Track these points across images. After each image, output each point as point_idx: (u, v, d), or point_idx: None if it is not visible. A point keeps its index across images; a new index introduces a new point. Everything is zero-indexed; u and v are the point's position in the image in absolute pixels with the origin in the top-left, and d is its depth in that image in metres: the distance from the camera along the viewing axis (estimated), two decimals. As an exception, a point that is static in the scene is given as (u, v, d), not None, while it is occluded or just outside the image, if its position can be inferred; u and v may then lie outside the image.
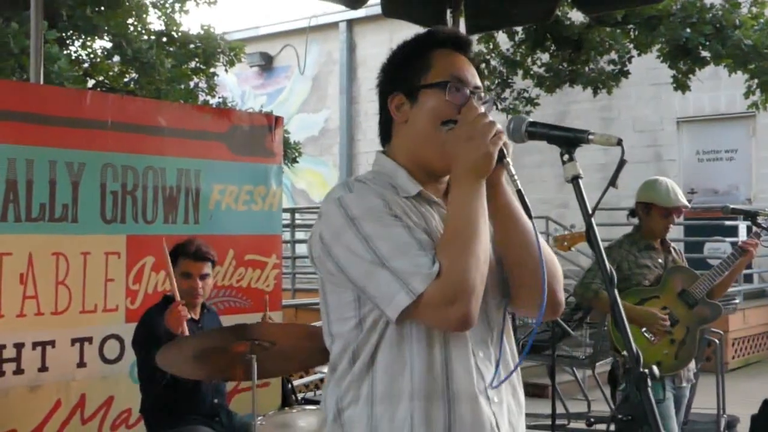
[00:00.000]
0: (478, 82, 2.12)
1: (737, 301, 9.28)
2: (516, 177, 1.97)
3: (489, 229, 2.01)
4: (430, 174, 2.10)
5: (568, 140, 1.89)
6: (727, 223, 12.00)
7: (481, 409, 1.99)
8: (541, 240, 2.01)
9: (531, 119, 1.98)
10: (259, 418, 4.10)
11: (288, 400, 5.47)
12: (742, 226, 12.22)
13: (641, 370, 1.76)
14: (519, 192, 1.97)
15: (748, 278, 13.10)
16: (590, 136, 1.87)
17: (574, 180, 1.87)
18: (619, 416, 1.83)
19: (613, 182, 1.90)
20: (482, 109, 2.03)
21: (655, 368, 1.76)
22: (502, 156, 1.96)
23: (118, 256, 5.14)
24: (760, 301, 12.81)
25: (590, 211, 1.85)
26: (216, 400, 4.58)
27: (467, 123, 1.97)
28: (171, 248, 4.61)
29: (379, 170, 2.14)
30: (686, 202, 5.06)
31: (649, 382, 1.75)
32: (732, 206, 5.58)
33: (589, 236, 1.87)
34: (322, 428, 2.08)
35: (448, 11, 6.79)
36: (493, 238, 2.08)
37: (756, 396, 7.15)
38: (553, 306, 2.08)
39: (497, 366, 2.06)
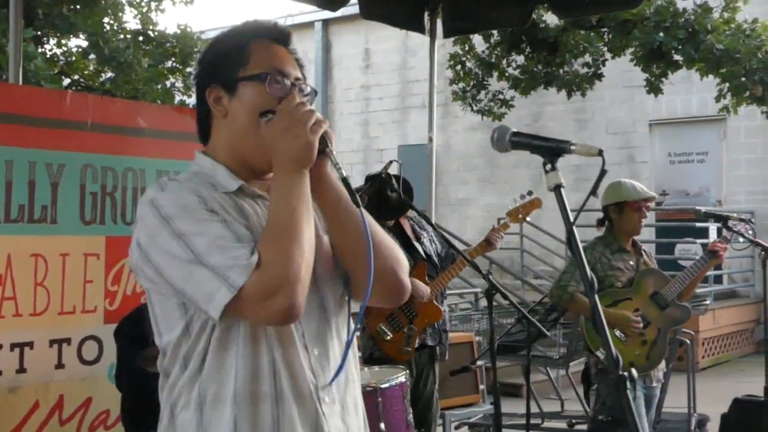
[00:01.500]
0: (299, 74, 2.07)
1: (708, 302, 9.41)
2: (340, 165, 1.93)
3: (316, 219, 1.97)
4: (250, 170, 2.03)
5: (550, 150, 1.93)
6: (698, 224, 12.13)
7: (310, 408, 1.95)
8: (373, 225, 1.98)
9: (515, 129, 2.02)
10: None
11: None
12: (713, 227, 12.36)
13: (620, 372, 1.81)
14: (344, 180, 1.94)
15: (718, 279, 13.28)
16: (572, 147, 1.91)
17: (557, 189, 1.91)
18: (599, 417, 1.88)
19: (594, 191, 1.95)
20: (299, 98, 1.96)
21: (634, 371, 1.82)
22: (324, 145, 1.92)
23: (97, 257, 5.13)
24: (730, 301, 12.99)
25: (572, 220, 1.90)
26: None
27: (285, 113, 1.90)
28: None
29: (197, 170, 2.06)
30: (653, 194, 5.22)
31: (628, 385, 1.81)
32: (705, 209, 5.68)
33: (571, 243, 1.92)
34: None
35: (426, 14, 6.85)
36: (327, 228, 2.04)
37: (726, 395, 7.26)
38: (397, 290, 2.06)
39: (342, 364, 2.00)
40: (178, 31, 9.93)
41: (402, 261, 2.08)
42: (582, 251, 1.91)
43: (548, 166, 1.93)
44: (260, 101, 1.99)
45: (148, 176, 5.34)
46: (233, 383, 1.90)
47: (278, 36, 2.10)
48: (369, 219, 1.96)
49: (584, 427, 6.86)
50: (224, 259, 1.81)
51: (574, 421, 6.40)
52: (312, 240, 1.89)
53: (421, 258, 5.31)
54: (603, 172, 1.90)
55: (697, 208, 5.68)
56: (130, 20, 9.79)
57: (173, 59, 9.89)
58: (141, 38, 9.77)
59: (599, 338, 4.98)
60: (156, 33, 9.83)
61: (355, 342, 2.10)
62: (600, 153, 1.88)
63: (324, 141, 1.93)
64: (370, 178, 5.19)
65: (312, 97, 2.06)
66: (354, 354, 2.13)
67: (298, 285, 1.82)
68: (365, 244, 1.90)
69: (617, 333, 5.01)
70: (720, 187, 14.10)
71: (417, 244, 5.38)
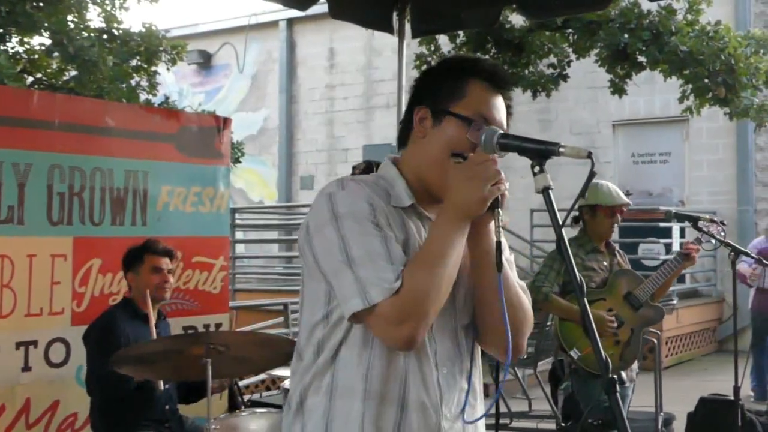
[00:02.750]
0: (504, 125, 2.14)
1: (674, 301, 9.49)
2: (500, 229, 2.01)
3: (462, 265, 2.04)
4: (428, 192, 2.13)
5: (539, 152, 1.93)
6: (662, 224, 12.25)
7: (431, 421, 2.04)
8: (515, 287, 2.11)
9: (502, 131, 2.01)
10: (211, 421, 4.11)
11: (234, 402, 5.46)
12: (676, 228, 12.50)
13: (610, 375, 1.81)
14: (498, 243, 2.01)
15: (681, 278, 13.38)
16: (561, 149, 1.91)
17: (545, 191, 1.91)
18: (590, 421, 1.88)
19: (583, 193, 1.95)
20: (496, 156, 2.03)
21: (623, 374, 1.82)
22: (495, 204, 2.00)
23: (64, 258, 5.08)
24: (693, 300, 13.12)
25: (561, 223, 1.89)
26: (167, 406, 4.56)
27: (475, 163, 1.98)
28: (134, 249, 4.65)
29: (382, 175, 2.18)
30: (628, 200, 5.25)
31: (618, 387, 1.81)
32: (675, 210, 5.73)
33: (560, 246, 1.92)
34: (274, 428, 2.14)
35: (394, 14, 6.84)
36: (469, 273, 2.12)
37: (689, 393, 7.34)
38: (515, 354, 2.13)
39: (465, 402, 2.13)
40: (143, 30, 9.84)
41: (527, 325, 2.18)
42: (570, 253, 1.90)
43: (536, 168, 1.93)
44: (457, 141, 2.07)
45: (116, 176, 5.30)
46: (365, 380, 2.02)
47: (498, 82, 2.16)
48: (513, 284, 2.11)
49: (552, 426, 6.90)
50: (371, 275, 1.93)
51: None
52: (450, 284, 2.00)
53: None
54: (592, 174, 1.91)
55: (668, 209, 5.74)
56: (95, 18, 9.72)
57: (138, 58, 9.79)
58: (105, 36, 9.65)
59: (574, 338, 5.04)
60: (121, 31, 9.72)
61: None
62: (589, 155, 1.89)
63: (497, 200, 2.00)
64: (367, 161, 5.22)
65: (504, 154, 2.09)
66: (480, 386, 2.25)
67: (424, 322, 1.95)
68: (497, 306, 2.01)
69: (591, 333, 5.02)
70: (682, 188, 14.24)
71: None
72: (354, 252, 1.96)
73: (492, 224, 2.05)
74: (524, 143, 1.97)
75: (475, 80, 2.12)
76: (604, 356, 1.83)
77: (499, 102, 2.14)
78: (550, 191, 1.91)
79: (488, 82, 2.13)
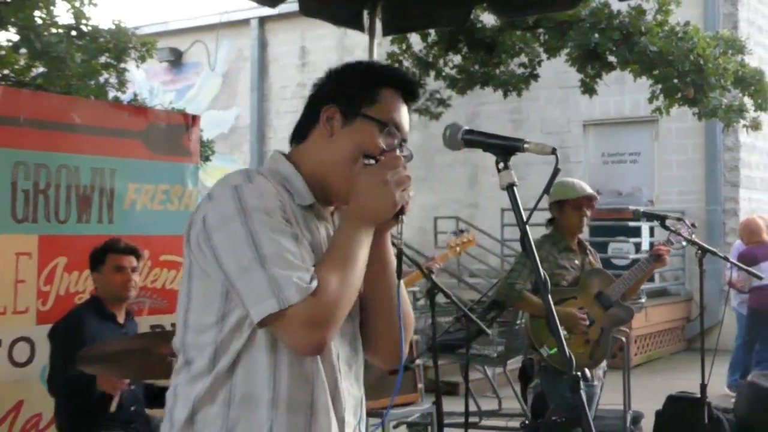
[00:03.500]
0: (407, 135, 2.13)
1: (643, 300, 9.55)
2: (401, 238, 2.02)
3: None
4: (325, 194, 2.09)
5: (503, 149, 1.93)
6: (631, 224, 12.32)
7: (337, 426, 2.02)
8: (404, 297, 2.09)
9: (467, 127, 2.00)
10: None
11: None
12: (645, 227, 12.57)
13: (574, 373, 1.81)
14: (399, 252, 2.04)
15: (650, 278, 13.41)
16: (525, 145, 1.90)
17: (509, 188, 1.91)
18: (554, 418, 1.88)
19: (547, 190, 1.95)
20: (403, 161, 2.03)
21: (588, 371, 1.82)
22: (400, 212, 1.99)
23: (29, 256, 5.02)
24: (661, 299, 13.20)
25: (525, 219, 1.89)
26: (134, 407, 4.52)
27: (387, 167, 1.97)
28: (97, 248, 4.60)
29: (275, 169, 2.09)
30: (592, 191, 5.26)
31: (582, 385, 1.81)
32: (642, 209, 5.76)
33: (524, 243, 1.91)
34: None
35: (365, 12, 6.83)
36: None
37: (658, 392, 7.38)
38: (395, 357, 2.13)
39: (362, 405, 2.14)
40: (113, 27, 9.76)
41: (411, 333, 2.19)
42: (535, 250, 1.90)
43: (501, 165, 1.93)
44: (369, 143, 2.05)
45: (82, 173, 5.25)
46: (271, 387, 1.93)
47: (409, 92, 2.16)
48: (403, 293, 2.08)
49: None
50: (286, 274, 1.84)
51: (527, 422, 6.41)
52: (357, 290, 1.97)
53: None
54: (556, 171, 1.90)
55: (636, 208, 5.77)
56: (63, 14, 9.61)
57: (107, 55, 9.71)
58: (74, 33, 9.56)
59: (544, 336, 5.05)
60: (89, 28, 9.62)
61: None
62: (553, 151, 1.89)
63: (402, 208, 2.00)
64: None
65: (409, 158, 2.10)
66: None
67: (335, 327, 1.91)
68: (393, 312, 2.05)
69: (561, 330, 5.03)
70: (652, 187, 14.33)
71: None
72: (266, 249, 1.85)
73: (390, 232, 2.07)
74: (489, 139, 1.97)
75: (389, 88, 2.11)
76: (568, 353, 1.82)
77: (406, 112, 2.14)
78: (514, 188, 1.91)
79: (400, 92, 2.13)
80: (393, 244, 2.09)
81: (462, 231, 5.95)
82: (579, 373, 1.80)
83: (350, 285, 1.91)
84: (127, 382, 4.21)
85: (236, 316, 1.92)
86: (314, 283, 1.85)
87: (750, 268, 6.39)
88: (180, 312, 2.03)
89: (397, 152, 2.06)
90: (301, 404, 1.95)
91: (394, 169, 1.96)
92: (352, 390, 2.08)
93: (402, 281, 2.06)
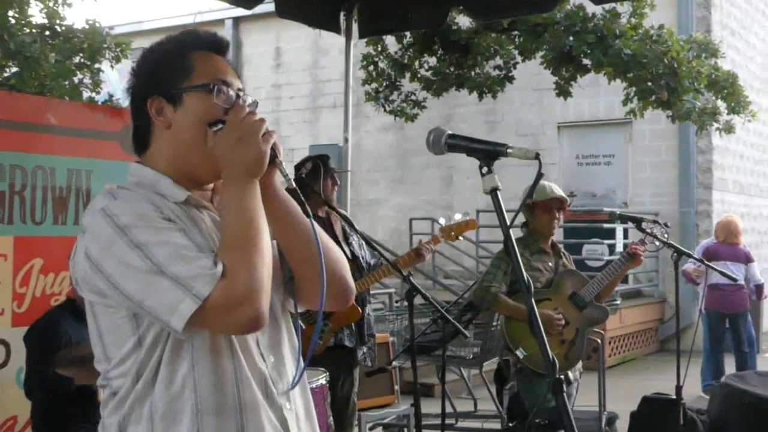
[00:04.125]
0: (240, 84, 2.06)
1: (618, 301, 9.61)
2: (289, 176, 1.96)
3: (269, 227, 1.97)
4: (193, 181, 2.02)
5: (487, 153, 1.94)
6: (606, 226, 12.39)
7: (274, 418, 1.95)
8: (321, 233, 2.00)
9: (450, 132, 2.01)
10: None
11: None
12: (620, 229, 12.66)
13: (557, 376, 1.82)
14: (294, 191, 1.97)
15: (624, 279, 13.56)
16: (509, 150, 1.91)
17: (493, 192, 1.91)
18: (537, 420, 1.89)
19: (531, 194, 1.96)
20: (248, 109, 1.96)
21: (570, 374, 1.84)
22: (274, 156, 1.93)
23: (4, 258, 4.99)
24: (635, 301, 13.28)
25: (509, 223, 1.90)
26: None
27: (236, 123, 1.90)
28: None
29: (137, 181, 2.00)
30: (563, 194, 5.28)
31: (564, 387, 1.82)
32: (619, 212, 5.80)
33: (507, 247, 1.92)
34: None
35: (342, 14, 6.84)
36: (273, 237, 2.03)
37: (632, 392, 7.44)
38: (345, 293, 2.09)
39: (297, 368, 2.03)
40: (87, 26, 9.68)
41: (347, 266, 2.11)
42: (518, 254, 1.91)
43: (484, 170, 1.93)
44: (207, 112, 1.97)
45: (58, 174, 5.21)
46: (192, 395, 1.86)
47: (218, 47, 2.08)
48: (318, 228, 1.98)
49: (497, 425, 6.93)
50: (188, 270, 1.78)
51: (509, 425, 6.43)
52: (269, 248, 1.90)
53: (347, 257, 5.27)
54: (540, 175, 1.91)
55: (612, 210, 5.81)
56: (36, 14, 9.47)
57: (81, 55, 9.62)
58: (48, 33, 9.47)
59: (520, 338, 5.07)
60: (63, 28, 9.53)
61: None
62: (537, 156, 1.90)
63: (273, 151, 1.93)
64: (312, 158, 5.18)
65: (254, 106, 2.03)
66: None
67: (263, 294, 1.83)
68: (315, 252, 1.92)
69: (538, 333, 5.06)
70: (626, 189, 14.42)
71: (344, 245, 5.33)
72: (159, 256, 1.79)
73: (277, 176, 1.99)
74: (472, 144, 1.97)
75: (195, 51, 2.03)
76: (551, 356, 1.84)
77: (225, 64, 2.06)
78: (498, 192, 1.92)
79: (208, 50, 2.06)
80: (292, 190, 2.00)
81: (466, 214, 5.75)
82: (562, 376, 1.81)
83: (259, 249, 1.84)
84: None
85: (153, 333, 1.86)
86: (219, 267, 1.79)
87: (717, 267, 6.42)
88: (97, 350, 1.95)
89: (241, 104, 1.97)
90: (228, 406, 1.88)
91: (242, 122, 1.90)
92: (283, 368, 2.01)
93: (314, 220, 1.97)
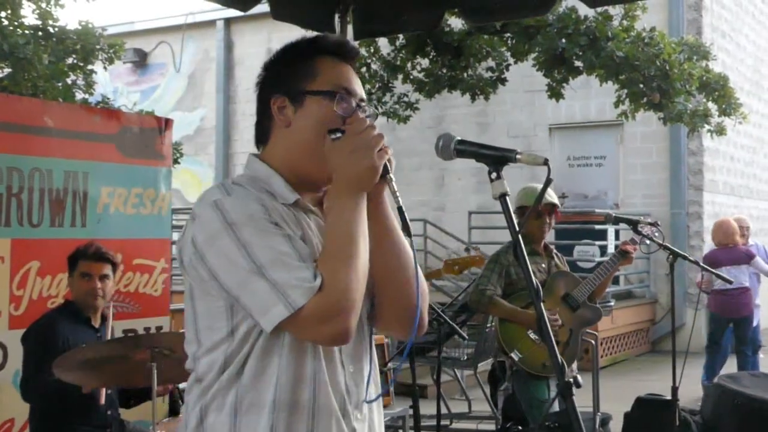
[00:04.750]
0: (363, 94, 2.08)
1: (612, 303, 9.64)
2: (398, 194, 1.95)
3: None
4: (305, 183, 2.04)
5: (496, 159, 1.94)
6: (597, 227, 12.42)
7: (344, 425, 1.98)
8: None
9: (459, 137, 2.00)
10: (155, 426, 4.07)
11: (175, 406, 5.41)
12: (611, 230, 12.68)
13: (566, 379, 1.84)
14: (400, 209, 1.96)
15: (615, 280, 13.58)
16: (518, 156, 1.92)
17: (502, 197, 1.92)
18: (546, 423, 1.91)
19: (540, 200, 1.97)
20: (368, 121, 1.97)
21: (579, 377, 1.85)
22: (385, 171, 1.94)
23: (2, 260, 4.98)
24: (627, 302, 13.31)
25: (518, 228, 1.91)
26: (109, 411, 4.50)
27: (355, 134, 1.92)
28: (71, 253, 4.55)
29: (252, 175, 2.05)
30: (555, 200, 5.31)
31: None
32: (614, 214, 5.82)
33: (516, 252, 1.93)
34: None
35: (337, 16, 6.83)
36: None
37: (624, 393, 7.47)
38: (422, 326, 2.08)
39: (368, 382, 2.05)
40: (80, 28, 9.67)
41: (427, 298, 2.12)
42: (527, 258, 1.92)
43: (493, 175, 1.93)
44: (327, 118, 1.99)
45: (55, 177, 5.21)
46: (273, 390, 1.91)
47: (346, 54, 2.10)
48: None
49: (491, 426, 6.95)
50: (287, 277, 1.82)
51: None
52: (366, 267, 1.92)
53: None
54: (548, 181, 1.92)
55: (607, 212, 5.84)
56: (29, 15, 9.46)
57: (74, 56, 9.62)
58: (41, 34, 9.46)
59: (515, 340, 5.09)
60: (56, 29, 9.53)
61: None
62: (545, 162, 1.90)
63: (385, 167, 1.94)
64: None
65: (373, 118, 2.05)
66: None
67: (354, 311, 1.86)
68: (407, 278, 1.99)
69: (531, 334, 5.09)
70: (617, 191, 14.45)
71: None
72: (261, 257, 1.84)
73: (386, 192, 2.00)
74: (481, 149, 1.95)
75: (323, 57, 2.06)
76: (560, 360, 1.85)
77: (351, 73, 2.08)
78: (506, 197, 1.92)
79: (336, 56, 2.08)
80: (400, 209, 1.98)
81: (476, 249, 5.72)
82: (571, 379, 1.82)
83: (356, 266, 1.87)
84: None
85: (245, 326, 1.91)
86: (318, 280, 1.83)
87: (716, 271, 6.46)
88: (189, 333, 2.01)
89: (360, 115, 2.00)
90: (302, 406, 1.92)
91: (360, 133, 1.91)
92: (361, 380, 2.04)
93: (412, 239, 2.00)
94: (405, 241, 2.04)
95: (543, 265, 5.32)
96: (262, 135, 2.10)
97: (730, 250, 9.29)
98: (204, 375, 1.96)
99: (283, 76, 2.05)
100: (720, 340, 9.43)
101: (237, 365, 1.92)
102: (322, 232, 2.00)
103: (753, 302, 9.36)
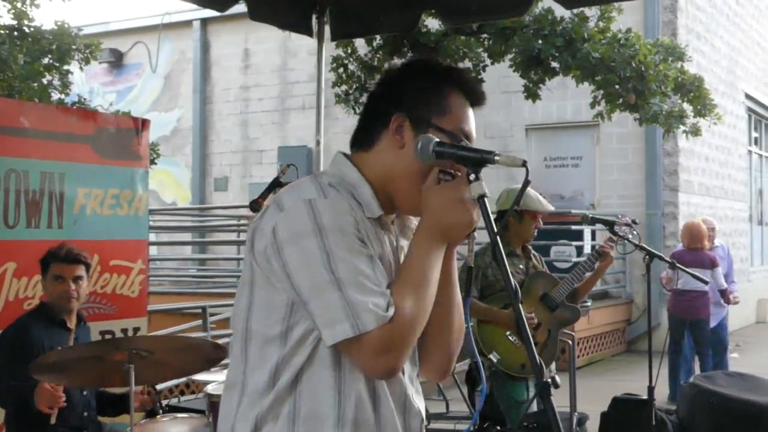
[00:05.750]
0: (474, 139, 2.08)
1: (589, 303, 9.68)
2: (473, 256, 1.97)
3: None
4: (389, 203, 2.03)
5: (475, 160, 1.93)
6: (573, 227, 12.47)
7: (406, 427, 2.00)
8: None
9: (438, 139, 1.99)
10: (132, 427, 4.06)
11: (153, 407, 5.38)
12: (587, 230, 12.74)
13: (544, 380, 1.85)
14: (470, 269, 1.99)
15: (592, 280, 13.65)
16: (496, 157, 1.92)
17: (480, 199, 1.92)
18: (524, 424, 1.92)
19: (518, 201, 1.98)
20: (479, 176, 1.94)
21: (557, 377, 1.86)
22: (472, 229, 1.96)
23: (-23, 262, 4.94)
24: (603, 302, 13.36)
25: (495, 230, 1.91)
26: (86, 413, 4.47)
27: (464, 184, 1.91)
28: (43, 255, 4.51)
29: (341, 176, 2.02)
30: (552, 208, 5.36)
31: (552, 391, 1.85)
32: (591, 214, 5.85)
33: (495, 253, 1.94)
34: None
35: (314, 17, 6.83)
36: None
37: (600, 393, 7.50)
38: (446, 373, 2.17)
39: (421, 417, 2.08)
40: (56, 28, 9.61)
41: (459, 346, 2.17)
42: (506, 261, 1.93)
43: (472, 177, 1.93)
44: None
45: (32, 178, 5.17)
46: (336, 405, 1.89)
47: (475, 99, 2.10)
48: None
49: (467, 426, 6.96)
50: (362, 300, 1.81)
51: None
52: (429, 313, 1.92)
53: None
54: (527, 183, 1.92)
55: (584, 212, 5.87)
56: (4, 15, 9.39)
57: (50, 56, 9.55)
58: (16, 34, 9.39)
59: (493, 342, 5.10)
60: (32, 29, 9.47)
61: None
62: (524, 164, 1.91)
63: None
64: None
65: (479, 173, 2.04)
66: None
67: (408, 351, 1.89)
68: (453, 333, 2.08)
69: (509, 336, 5.10)
70: (593, 191, 14.52)
71: None
72: (342, 272, 1.81)
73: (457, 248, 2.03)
74: (460, 151, 1.95)
75: (457, 93, 2.05)
76: (538, 360, 1.86)
77: (472, 120, 2.08)
78: (485, 199, 1.93)
79: (467, 97, 2.07)
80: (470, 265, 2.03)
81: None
82: (549, 380, 1.83)
83: (424, 308, 1.88)
84: (64, 398, 4.11)
85: (301, 329, 1.89)
86: (391, 311, 1.82)
87: (690, 270, 6.49)
88: (238, 321, 1.97)
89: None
90: (367, 423, 1.92)
91: (470, 186, 1.91)
92: (418, 401, 2.06)
93: (469, 300, 2.05)
94: (460, 300, 2.08)
95: (521, 266, 5.34)
96: (365, 140, 2.07)
97: (697, 253, 9.33)
98: (253, 373, 1.93)
99: (410, 96, 2.02)
100: (680, 340, 9.49)
101: (292, 373, 1.90)
102: (395, 252, 2.02)
103: (710, 305, 9.41)
